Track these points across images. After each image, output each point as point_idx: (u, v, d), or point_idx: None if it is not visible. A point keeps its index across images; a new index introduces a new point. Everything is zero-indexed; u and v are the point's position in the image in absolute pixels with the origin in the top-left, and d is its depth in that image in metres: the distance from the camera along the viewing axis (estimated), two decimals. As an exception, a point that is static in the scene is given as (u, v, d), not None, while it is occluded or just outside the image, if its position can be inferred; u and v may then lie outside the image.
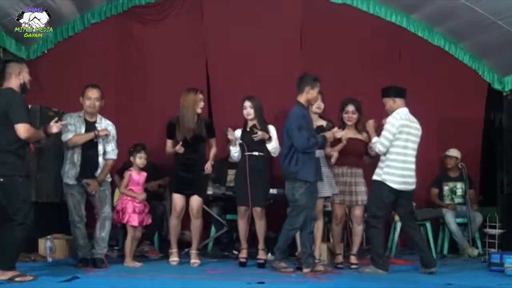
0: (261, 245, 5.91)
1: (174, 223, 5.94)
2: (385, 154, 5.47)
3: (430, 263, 5.50)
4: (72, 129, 5.51)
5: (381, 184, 5.43)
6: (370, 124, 5.74)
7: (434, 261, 5.62)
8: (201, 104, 5.90)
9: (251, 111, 5.95)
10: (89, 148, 5.57)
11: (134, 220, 5.79)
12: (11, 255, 4.58)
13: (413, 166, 5.52)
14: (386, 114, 5.63)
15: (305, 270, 5.34)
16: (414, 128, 5.54)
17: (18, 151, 4.62)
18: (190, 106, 5.82)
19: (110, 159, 5.69)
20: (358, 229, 5.99)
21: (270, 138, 5.92)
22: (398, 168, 5.42)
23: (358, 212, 5.90)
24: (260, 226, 5.90)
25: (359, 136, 5.97)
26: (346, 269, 5.80)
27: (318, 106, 5.87)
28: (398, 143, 5.43)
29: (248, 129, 5.99)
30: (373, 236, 5.54)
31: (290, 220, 5.38)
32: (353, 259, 5.94)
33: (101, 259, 5.58)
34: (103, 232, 5.61)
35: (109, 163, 5.68)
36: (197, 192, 5.90)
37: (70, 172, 5.54)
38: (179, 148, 5.78)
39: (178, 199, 5.88)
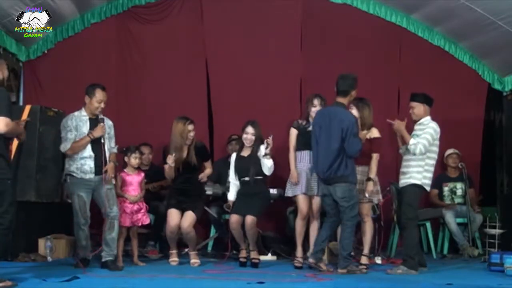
0: (251, 247, 5.87)
1: (170, 235, 5.91)
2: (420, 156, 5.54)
3: (420, 262, 5.61)
4: (71, 136, 5.42)
5: (420, 188, 5.56)
6: (402, 124, 5.66)
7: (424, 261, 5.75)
8: (190, 134, 5.88)
9: (252, 138, 5.89)
10: (97, 148, 5.50)
11: (125, 220, 5.78)
12: None
13: None
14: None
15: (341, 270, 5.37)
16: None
17: (3, 152, 4.37)
18: (178, 136, 5.84)
19: (113, 153, 5.68)
20: (367, 227, 5.89)
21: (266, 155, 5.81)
22: (432, 173, 5.62)
23: (364, 209, 5.82)
24: (249, 235, 5.79)
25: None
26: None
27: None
28: (435, 149, 5.61)
29: (244, 155, 5.93)
30: (409, 237, 5.54)
31: (351, 220, 5.39)
32: (364, 260, 5.85)
33: (113, 261, 5.47)
34: (113, 233, 5.49)
35: (112, 156, 5.65)
36: (192, 209, 5.87)
37: (84, 167, 5.42)
38: (171, 161, 5.77)
39: (173, 213, 5.85)
